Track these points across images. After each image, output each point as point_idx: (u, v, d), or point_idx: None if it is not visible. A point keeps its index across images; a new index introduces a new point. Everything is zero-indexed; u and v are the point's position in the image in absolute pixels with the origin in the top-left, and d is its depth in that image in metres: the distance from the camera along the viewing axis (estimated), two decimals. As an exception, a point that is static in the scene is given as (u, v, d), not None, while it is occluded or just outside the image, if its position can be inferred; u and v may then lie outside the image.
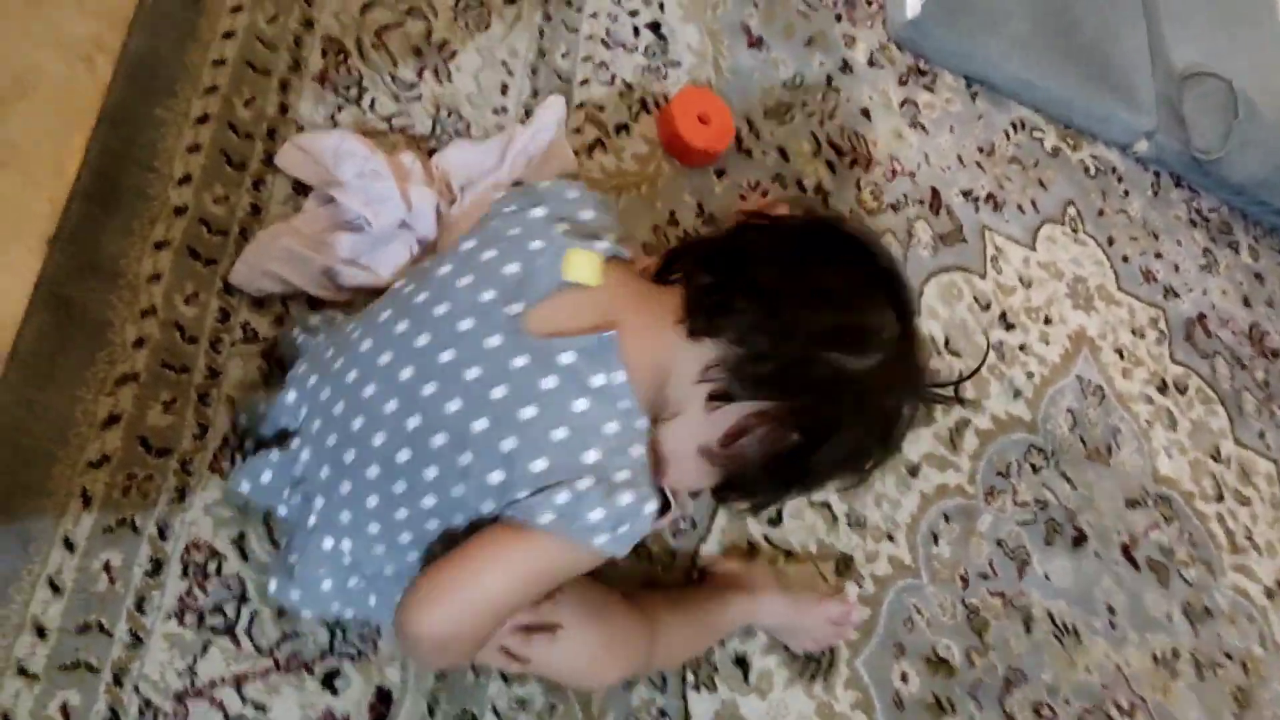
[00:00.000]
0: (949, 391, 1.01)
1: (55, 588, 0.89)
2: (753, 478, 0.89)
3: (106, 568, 0.91)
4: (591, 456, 0.79)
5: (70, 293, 0.97)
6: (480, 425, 0.80)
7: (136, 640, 0.90)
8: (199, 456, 0.98)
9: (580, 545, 0.79)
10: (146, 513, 0.94)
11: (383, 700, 0.98)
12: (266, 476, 0.92)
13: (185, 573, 0.94)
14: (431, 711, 1.00)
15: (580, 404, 0.80)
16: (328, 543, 0.90)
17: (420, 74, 1.26)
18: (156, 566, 0.93)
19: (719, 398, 0.85)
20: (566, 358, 0.81)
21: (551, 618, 0.92)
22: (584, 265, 0.84)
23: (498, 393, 0.80)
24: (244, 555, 0.97)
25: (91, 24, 1.09)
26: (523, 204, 0.91)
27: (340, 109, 1.18)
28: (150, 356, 0.99)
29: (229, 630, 0.94)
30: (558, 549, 0.79)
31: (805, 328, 0.84)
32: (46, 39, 1.06)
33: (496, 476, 0.80)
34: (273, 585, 0.92)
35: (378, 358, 0.86)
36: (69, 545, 0.90)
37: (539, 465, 0.79)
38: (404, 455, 0.84)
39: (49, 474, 0.92)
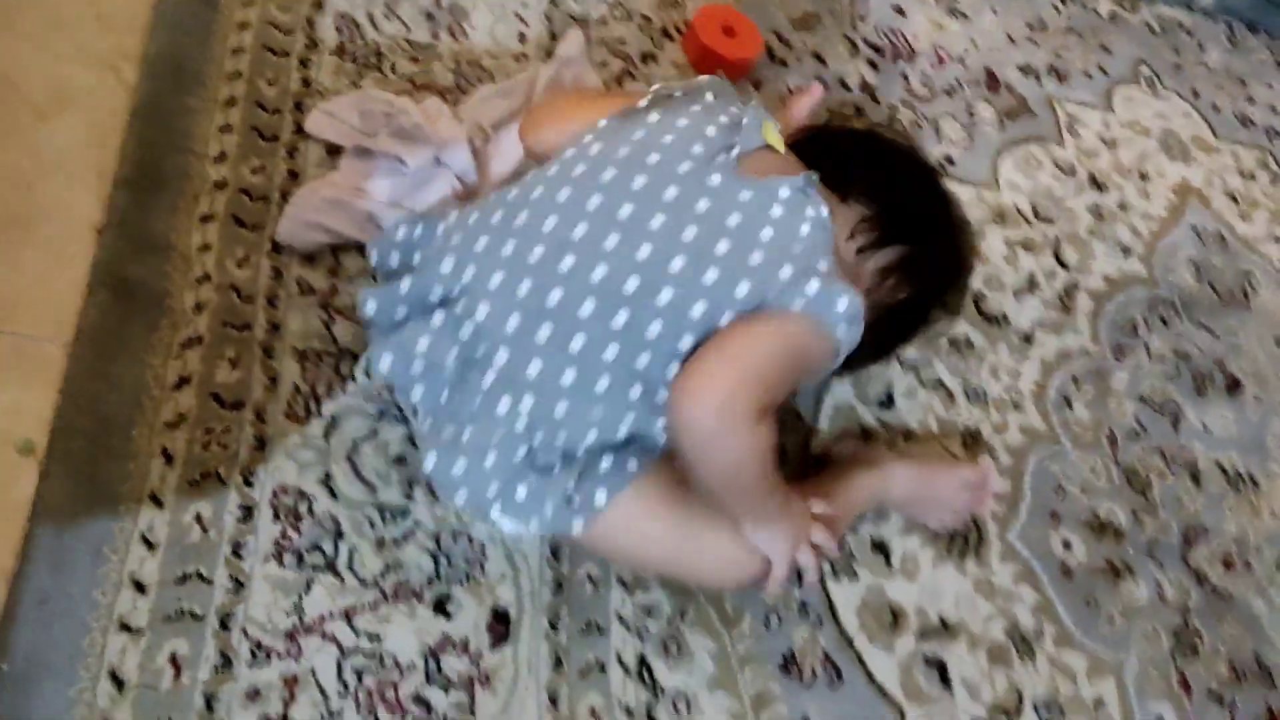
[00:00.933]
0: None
1: (149, 543, 0.87)
2: (881, 329, 0.96)
3: (198, 519, 0.89)
4: (824, 265, 0.87)
5: (126, 272, 0.98)
6: (723, 247, 0.85)
7: (238, 585, 0.88)
8: (272, 405, 0.96)
9: (826, 331, 0.84)
10: (229, 463, 0.92)
11: (500, 620, 0.93)
12: (424, 343, 0.85)
13: (277, 516, 0.92)
14: (554, 626, 0.94)
15: (804, 228, 0.89)
16: (504, 403, 0.84)
17: (435, 35, 1.26)
18: (247, 513, 0.91)
19: (866, 248, 0.98)
20: (784, 192, 0.90)
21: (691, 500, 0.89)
22: (776, 135, 0.97)
23: (733, 220, 0.87)
24: (333, 493, 0.94)
25: (111, 36, 1.13)
26: (691, 91, 1.00)
27: (361, 75, 1.19)
28: (211, 319, 0.99)
29: (330, 566, 0.91)
30: (810, 331, 0.84)
31: (910, 189, 1.04)
32: (73, 55, 1.10)
33: (744, 289, 0.84)
34: (430, 460, 0.84)
35: (584, 202, 0.87)
36: (157, 501, 0.89)
37: (786, 272, 0.85)
38: (633, 283, 0.84)
39: (129, 438, 0.91)
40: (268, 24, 1.18)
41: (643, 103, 0.98)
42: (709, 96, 1.00)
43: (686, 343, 0.84)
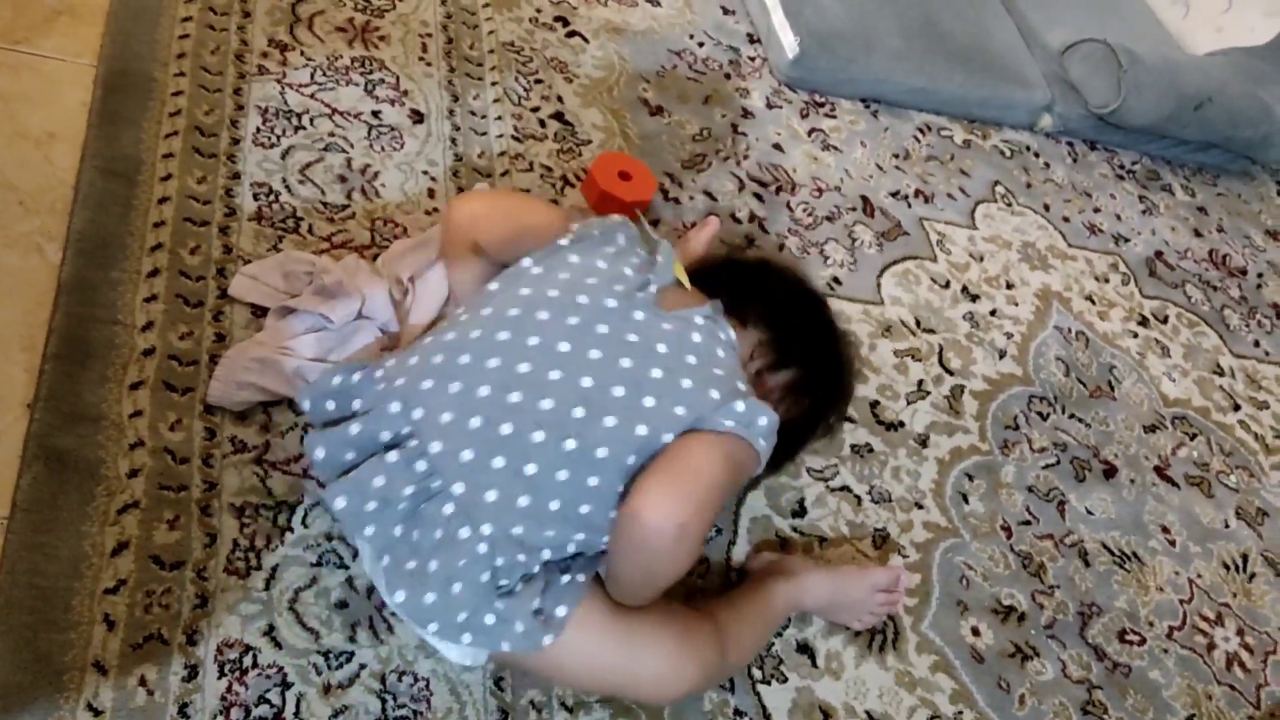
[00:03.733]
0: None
1: (95, 711, 0.88)
2: (780, 442, 1.01)
3: (143, 682, 0.90)
4: (741, 385, 0.98)
5: (59, 443, 1.01)
6: (657, 373, 0.94)
7: (185, 746, 0.89)
8: (212, 563, 0.99)
9: (753, 445, 0.94)
10: (172, 624, 0.94)
11: (447, 756, 0.95)
12: (380, 481, 0.89)
13: (222, 672, 0.93)
14: (500, 757, 0.97)
15: (719, 351, 1.01)
16: (465, 531, 0.88)
17: (349, 196, 1.33)
18: (192, 672, 0.92)
19: (764, 370, 1.09)
20: (699, 320, 1.02)
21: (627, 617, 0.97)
22: (682, 271, 1.09)
23: (661, 348, 0.97)
24: (277, 644, 0.96)
25: (34, 219, 1.17)
26: (602, 231, 1.09)
27: (281, 239, 1.25)
28: (147, 483, 1.01)
29: (278, 717, 0.92)
30: (741, 446, 0.93)
31: (800, 316, 1.16)
32: (-2, 239, 1.14)
33: (681, 410, 0.93)
34: (400, 596, 0.88)
35: (524, 341, 0.95)
36: (101, 669, 0.90)
37: (714, 394, 0.94)
38: (580, 411, 0.91)
39: (69, 607, 0.92)
40: (186, 196, 1.24)
41: (564, 241, 1.07)
42: (621, 239, 1.10)
43: (632, 461, 0.91)
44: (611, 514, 0.91)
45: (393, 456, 0.90)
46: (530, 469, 0.90)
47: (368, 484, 0.89)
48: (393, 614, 1.01)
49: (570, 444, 0.90)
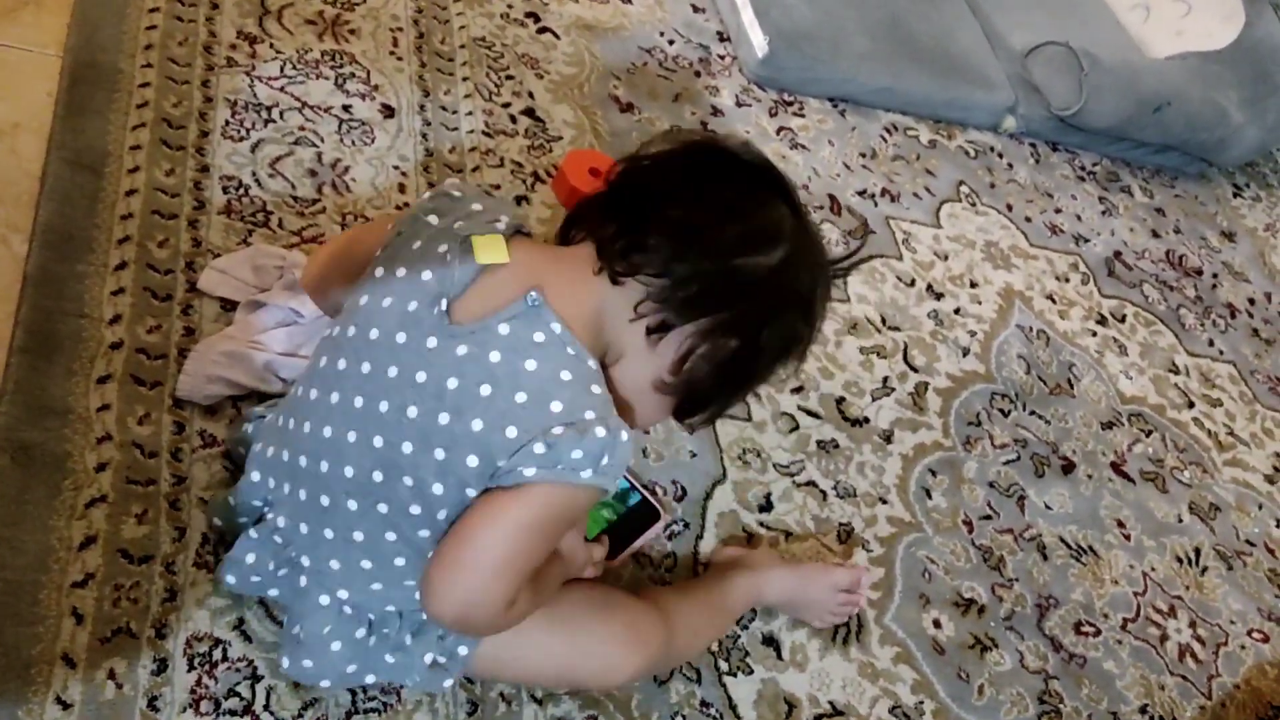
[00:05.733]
0: (851, 261, 1.03)
1: (64, 704, 0.88)
2: (707, 391, 0.91)
3: (111, 675, 0.90)
4: (557, 406, 0.81)
5: (25, 437, 1.00)
6: (444, 419, 0.82)
7: (154, 739, 0.89)
8: (181, 556, 0.99)
9: (570, 484, 0.81)
10: (141, 617, 0.94)
11: (418, 748, 0.96)
12: (250, 558, 0.94)
13: (191, 665, 0.93)
14: (470, 749, 0.98)
15: (530, 364, 0.83)
16: (324, 598, 0.91)
17: (319, 190, 1.33)
18: (161, 665, 0.92)
19: (657, 330, 0.87)
20: (503, 329, 0.84)
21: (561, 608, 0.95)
22: (489, 246, 0.87)
23: (451, 384, 0.83)
24: (247, 637, 0.97)
25: (0, 211, 1.16)
26: (414, 220, 0.92)
27: (250, 232, 1.25)
28: (115, 477, 1.01)
29: (248, 710, 0.93)
30: (549, 494, 0.81)
31: (716, 244, 0.87)
32: (-38, 231, 1.13)
33: (473, 460, 0.81)
34: (285, 662, 0.92)
35: (328, 398, 0.88)
36: (70, 662, 0.90)
37: (511, 432, 0.80)
38: (378, 475, 0.85)
39: (37, 601, 0.92)
40: (154, 189, 1.24)
41: (380, 250, 0.92)
42: (433, 220, 0.91)
43: (443, 515, 0.85)
44: None
45: (254, 532, 0.94)
46: (358, 536, 0.88)
47: (242, 561, 0.94)
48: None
49: (383, 508, 0.86)
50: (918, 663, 1.23)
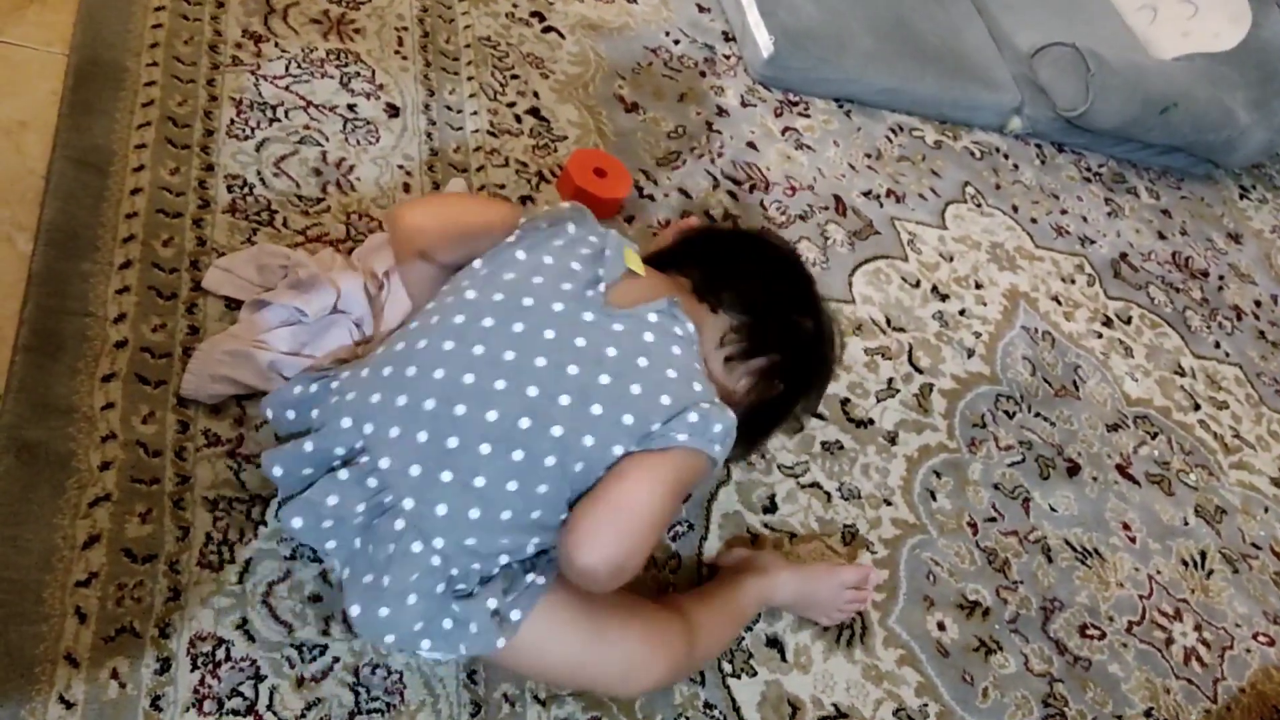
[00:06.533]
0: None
1: (67, 703, 0.88)
2: (755, 423, 1.08)
3: (115, 675, 0.90)
4: (697, 387, 0.97)
5: (29, 435, 1.00)
6: (604, 379, 0.93)
7: (157, 739, 0.89)
8: (185, 556, 0.99)
9: (706, 454, 0.93)
10: (144, 617, 0.94)
11: (421, 748, 0.96)
12: (333, 499, 0.90)
13: (195, 665, 0.93)
14: (473, 749, 0.97)
15: (676, 349, 0.98)
16: (417, 545, 0.88)
17: (324, 189, 1.33)
18: (164, 665, 0.92)
19: (732, 359, 1.08)
20: (652, 317, 0.99)
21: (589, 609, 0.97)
22: (636, 258, 1.05)
23: (610, 352, 0.95)
24: (250, 637, 0.97)
25: (4, 209, 1.16)
26: (551, 224, 1.06)
27: (255, 231, 1.25)
28: (119, 475, 1.01)
29: (250, 710, 0.93)
30: (693, 459, 0.93)
31: (780, 298, 1.13)
32: (-33, 229, 1.13)
33: (628, 419, 0.92)
34: (355, 609, 0.89)
35: (469, 350, 0.93)
36: (73, 661, 0.90)
37: (665, 399, 0.93)
38: (525, 422, 0.91)
39: (40, 600, 0.92)
40: (159, 188, 1.23)
41: (511, 238, 1.04)
42: (571, 228, 1.06)
43: (579, 469, 0.91)
44: (563, 516, 0.91)
45: (344, 474, 0.90)
46: (479, 481, 0.90)
47: (321, 503, 0.90)
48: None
49: (518, 455, 0.90)
50: (922, 665, 1.23)
